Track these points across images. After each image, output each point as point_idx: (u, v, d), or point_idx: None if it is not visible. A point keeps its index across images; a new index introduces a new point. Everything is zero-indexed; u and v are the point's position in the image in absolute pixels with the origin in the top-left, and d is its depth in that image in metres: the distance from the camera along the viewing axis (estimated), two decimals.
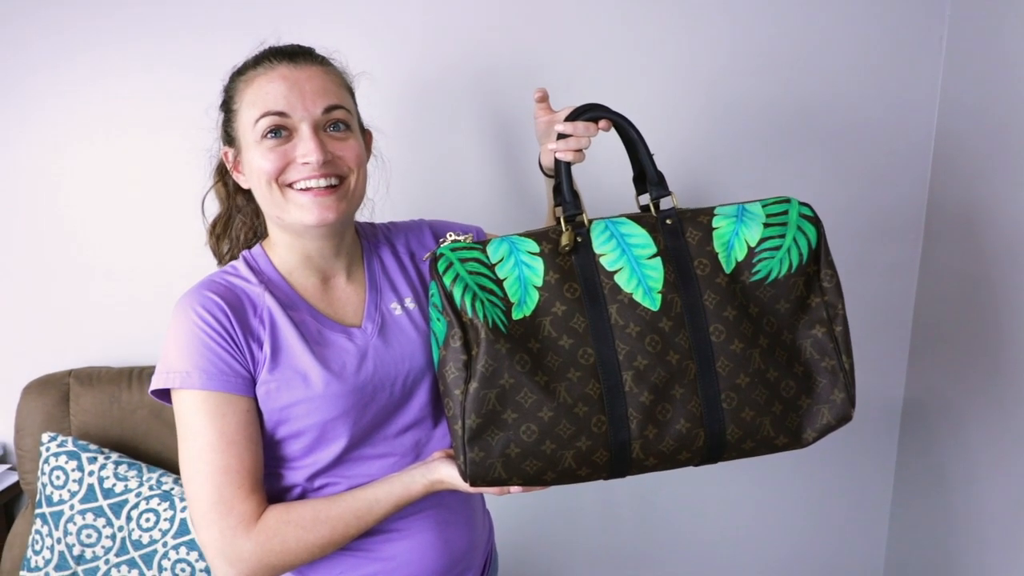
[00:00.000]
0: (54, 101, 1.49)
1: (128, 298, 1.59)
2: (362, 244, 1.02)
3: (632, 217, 0.89)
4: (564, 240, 0.86)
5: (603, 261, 0.86)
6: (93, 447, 1.44)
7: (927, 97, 1.47)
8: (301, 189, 0.88)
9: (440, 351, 0.85)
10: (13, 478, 1.59)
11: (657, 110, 1.47)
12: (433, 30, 1.45)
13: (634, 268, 0.86)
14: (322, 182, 0.88)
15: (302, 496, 0.92)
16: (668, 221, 0.87)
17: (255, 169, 0.89)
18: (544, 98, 1.04)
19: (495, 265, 0.86)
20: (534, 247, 0.87)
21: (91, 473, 1.41)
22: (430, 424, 0.97)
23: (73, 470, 1.41)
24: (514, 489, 0.86)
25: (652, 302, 0.85)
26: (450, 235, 0.89)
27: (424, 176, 1.50)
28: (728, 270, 0.86)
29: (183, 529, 1.38)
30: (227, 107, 0.93)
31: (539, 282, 0.85)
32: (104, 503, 1.40)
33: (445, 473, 0.88)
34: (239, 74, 0.92)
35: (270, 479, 0.92)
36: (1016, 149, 1.25)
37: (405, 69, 1.46)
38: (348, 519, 0.87)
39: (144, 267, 1.56)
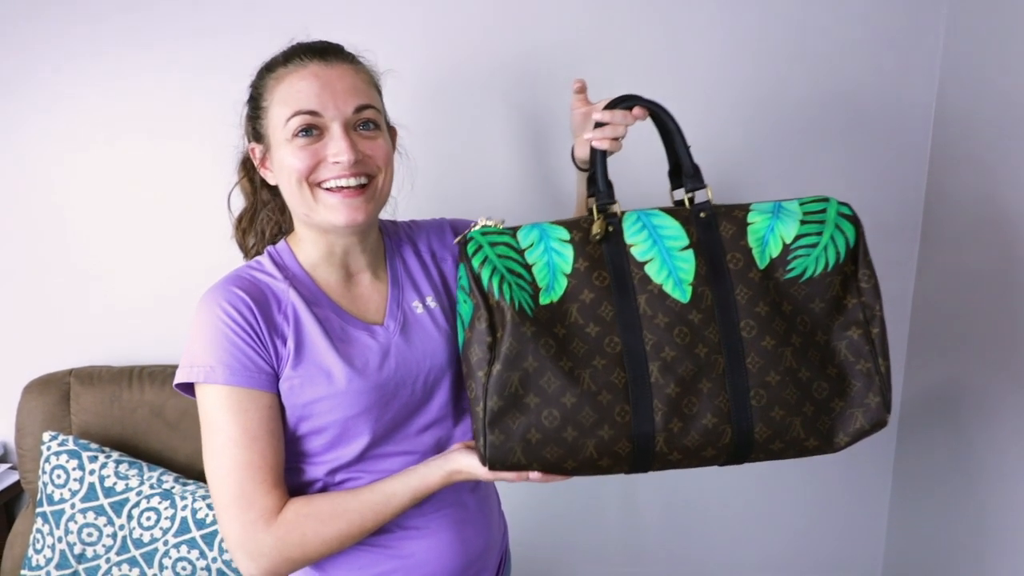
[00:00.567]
0: (57, 102, 1.50)
1: (128, 298, 1.59)
2: (385, 242, 1.02)
3: (666, 210, 0.88)
4: (595, 228, 0.85)
5: (634, 251, 0.85)
6: (94, 446, 1.45)
7: (924, 93, 1.47)
8: (330, 189, 0.88)
9: (465, 333, 0.85)
10: (14, 477, 1.60)
11: (679, 104, 1.46)
12: (456, 25, 1.44)
13: (665, 259, 0.85)
14: (352, 181, 0.88)
15: (323, 491, 0.93)
16: (702, 214, 0.86)
17: (285, 167, 0.89)
18: (582, 89, 1.03)
19: (525, 250, 0.86)
20: (565, 235, 0.86)
21: (92, 472, 1.41)
22: (451, 422, 0.98)
23: (74, 469, 1.42)
24: (533, 476, 0.85)
25: (682, 294, 0.83)
26: (481, 219, 0.89)
27: (448, 173, 1.50)
28: (762, 266, 0.85)
29: (184, 527, 1.38)
30: (255, 103, 0.93)
31: (568, 269, 0.85)
32: (105, 502, 1.41)
33: (464, 463, 0.87)
34: (268, 70, 0.91)
35: (291, 474, 0.92)
36: (1014, 147, 1.25)
37: (430, 65, 1.45)
38: (365, 512, 0.87)
39: (145, 267, 1.57)
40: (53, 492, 1.42)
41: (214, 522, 1.38)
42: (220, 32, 1.45)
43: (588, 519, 1.75)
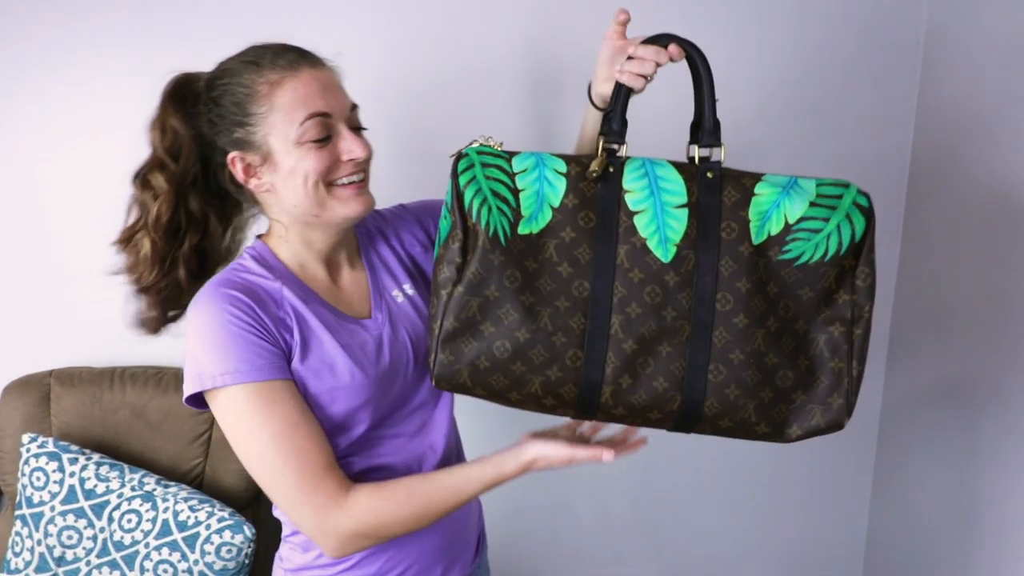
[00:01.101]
0: (33, 102, 1.48)
1: (109, 298, 1.56)
2: (357, 236, 1.04)
3: (675, 163, 0.84)
4: (594, 165, 0.81)
5: (628, 199, 0.82)
6: (74, 448, 1.43)
7: (906, 89, 1.49)
8: (343, 185, 0.90)
9: (439, 249, 0.84)
10: None
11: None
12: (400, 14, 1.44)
13: (657, 213, 0.81)
14: (361, 175, 0.92)
15: None
16: (709, 174, 0.82)
17: (300, 171, 0.87)
18: (625, 21, 0.93)
19: (517, 175, 0.83)
20: (562, 167, 0.83)
21: (72, 474, 1.40)
22: (432, 405, 1.01)
23: (54, 471, 1.40)
24: (606, 456, 0.85)
25: (665, 253, 0.81)
26: (481, 137, 0.86)
27: (402, 164, 1.49)
28: (756, 241, 0.81)
29: (165, 530, 1.37)
30: (242, 109, 0.88)
31: (556, 203, 0.82)
32: (85, 504, 1.39)
33: (540, 451, 0.87)
34: (255, 75, 0.87)
35: None
36: (994, 144, 1.27)
37: (369, 61, 1.44)
38: (442, 495, 0.89)
39: None
40: (32, 494, 1.41)
41: (196, 524, 1.37)
42: (203, 34, 1.44)
43: (564, 522, 1.76)
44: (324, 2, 1.44)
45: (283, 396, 0.86)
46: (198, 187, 0.94)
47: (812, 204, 0.81)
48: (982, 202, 1.29)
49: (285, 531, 1.02)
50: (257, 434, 0.85)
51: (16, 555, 1.41)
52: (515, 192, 0.82)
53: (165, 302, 0.96)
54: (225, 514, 1.38)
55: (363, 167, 0.92)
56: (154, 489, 1.41)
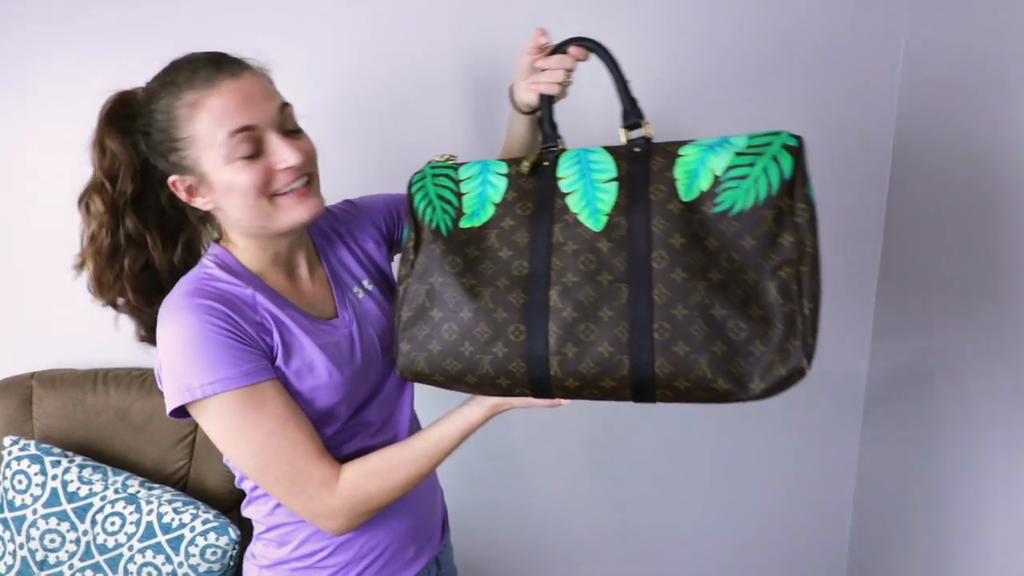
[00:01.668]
0: (20, 102, 1.47)
1: (91, 300, 1.56)
2: (312, 236, 1.05)
3: (608, 147, 0.88)
4: (525, 162, 0.88)
5: (561, 184, 0.87)
6: (57, 450, 1.42)
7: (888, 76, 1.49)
8: (284, 194, 0.89)
9: (402, 252, 0.92)
10: None
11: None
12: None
13: (587, 190, 0.86)
14: (303, 180, 0.90)
15: None
16: (637, 149, 0.86)
17: (237, 187, 0.87)
18: (543, 45, 0.97)
19: (462, 181, 0.92)
20: (504, 168, 0.91)
21: (55, 477, 1.39)
22: (397, 394, 1.05)
23: (36, 474, 1.39)
24: (564, 401, 0.87)
25: (595, 223, 0.84)
26: (438, 156, 0.95)
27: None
28: (686, 198, 0.82)
29: (149, 532, 1.37)
30: (168, 136, 0.87)
31: (498, 199, 0.89)
32: (68, 507, 1.38)
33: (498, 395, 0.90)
34: (173, 98, 0.86)
35: None
36: (980, 108, 1.28)
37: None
38: (420, 460, 0.93)
39: None
40: (14, 498, 1.39)
41: (180, 526, 1.36)
42: (192, 35, 1.43)
43: (552, 524, 1.76)
44: (298, 11, 1.44)
45: (272, 396, 0.87)
46: (136, 207, 0.93)
47: (738, 154, 0.81)
48: (972, 161, 1.24)
49: (258, 528, 1.03)
50: (251, 435, 0.87)
51: None
52: (459, 195, 0.91)
53: (143, 318, 0.97)
54: (210, 516, 1.38)
55: (306, 170, 0.90)
56: (138, 491, 1.40)
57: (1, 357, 1.57)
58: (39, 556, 1.38)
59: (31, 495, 1.39)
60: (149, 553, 1.36)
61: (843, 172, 1.52)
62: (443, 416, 0.95)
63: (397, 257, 1.06)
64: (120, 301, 0.96)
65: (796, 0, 1.44)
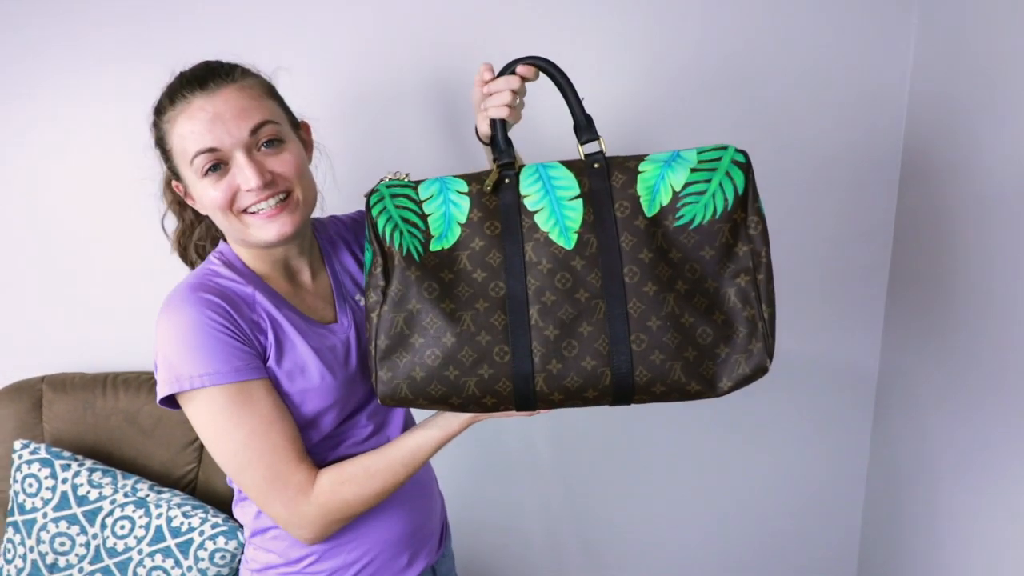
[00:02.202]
0: (26, 105, 1.48)
1: (102, 304, 1.57)
2: (318, 241, 1.06)
3: (565, 162, 0.90)
4: (487, 180, 0.89)
5: (526, 202, 0.88)
6: (67, 454, 1.43)
7: (898, 80, 1.49)
8: (253, 213, 0.91)
9: (366, 277, 0.90)
10: None
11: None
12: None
13: (554, 208, 0.88)
14: (270, 202, 0.90)
15: None
16: (596, 165, 0.89)
17: (207, 201, 0.91)
18: (489, 79, 0.96)
19: (423, 202, 0.90)
20: (463, 187, 0.90)
21: (65, 480, 1.40)
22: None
23: (46, 477, 1.40)
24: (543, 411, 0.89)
25: (567, 241, 0.86)
26: (388, 174, 0.93)
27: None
28: (650, 213, 0.87)
29: (159, 536, 1.37)
30: (161, 146, 0.94)
31: (463, 219, 0.89)
32: (78, 511, 1.39)
33: None
34: (159, 114, 0.92)
35: None
36: (989, 111, 1.28)
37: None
38: (396, 468, 0.93)
39: (118, 273, 1.55)
40: (25, 501, 1.40)
41: (189, 530, 1.37)
42: (198, 41, 1.44)
43: (554, 530, 1.76)
44: (296, 15, 1.44)
45: (260, 395, 0.88)
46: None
47: (693, 170, 0.87)
48: (978, 174, 1.26)
49: (247, 531, 1.04)
50: (233, 433, 0.87)
51: (8, 562, 1.40)
52: (423, 217, 0.90)
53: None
54: (219, 520, 1.38)
55: (279, 189, 0.90)
56: (147, 495, 1.40)
57: (11, 361, 1.58)
58: (49, 559, 1.39)
59: (41, 498, 1.40)
60: (158, 557, 1.37)
61: (855, 177, 1.52)
62: (421, 424, 0.95)
63: None
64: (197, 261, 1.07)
65: (807, 9, 1.43)
